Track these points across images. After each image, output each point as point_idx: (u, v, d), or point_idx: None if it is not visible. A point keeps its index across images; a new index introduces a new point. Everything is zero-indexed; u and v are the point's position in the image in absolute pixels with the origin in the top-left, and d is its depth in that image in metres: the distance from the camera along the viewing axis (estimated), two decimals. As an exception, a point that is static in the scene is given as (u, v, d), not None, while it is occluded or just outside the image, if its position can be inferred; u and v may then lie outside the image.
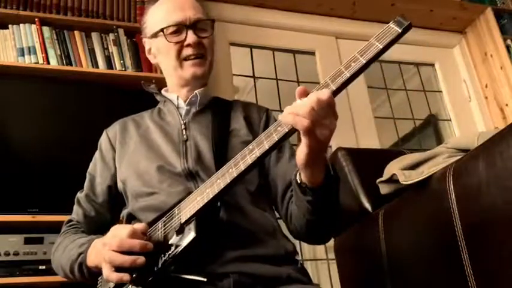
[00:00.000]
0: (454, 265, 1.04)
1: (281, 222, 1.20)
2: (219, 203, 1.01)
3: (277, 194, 1.19)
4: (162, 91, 1.32)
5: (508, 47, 3.01)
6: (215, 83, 2.38)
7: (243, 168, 0.93)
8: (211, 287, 0.97)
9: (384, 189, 1.40)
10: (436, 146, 1.41)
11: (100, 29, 2.32)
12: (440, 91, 3.20)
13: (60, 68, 2.17)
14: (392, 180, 1.35)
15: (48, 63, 2.16)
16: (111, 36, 2.33)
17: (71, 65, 2.21)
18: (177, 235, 0.96)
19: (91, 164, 1.30)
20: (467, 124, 3.08)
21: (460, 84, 3.22)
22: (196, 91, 1.24)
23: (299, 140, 0.91)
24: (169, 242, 0.97)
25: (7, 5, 2.20)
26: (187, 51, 1.21)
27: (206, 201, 0.96)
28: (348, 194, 1.51)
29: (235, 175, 0.94)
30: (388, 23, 0.87)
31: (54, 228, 1.25)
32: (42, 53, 2.16)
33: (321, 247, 2.72)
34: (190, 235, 0.94)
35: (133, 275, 0.95)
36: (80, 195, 1.27)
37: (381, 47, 0.84)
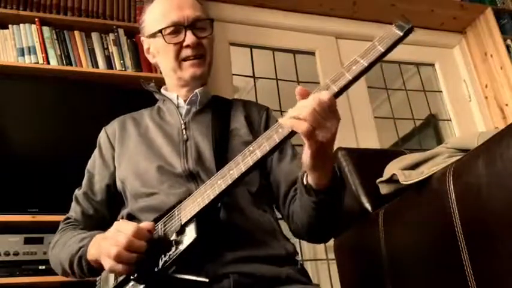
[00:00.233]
0: (454, 265, 1.04)
1: (281, 223, 1.20)
2: (219, 204, 1.01)
3: (279, 194, 1.19)
4: (162, 90, 1.31)
5: (508, 47, 3.01)
6: (215, 83, 2.38)
7: (244, 170, 0.93)
8: (211, 287, 0.97)
9: (384, 189, 1.40)
10: (436, 146, 1.41)
11: (100, 29, 2.32)
12: (440, 91, 3.20)
13: (60, 68, 2.17)
14: (392, 180, 1.35)
15: (48, 63, 2.16)
16: (111, 36, 2.33)
17: (71, 65, 2.21)
18: (178, 236, 0.96)
19: (90, 161, 1.29)
20: (467, 124, 3.08)
21: (460, 84, 3.22)
22: (197, 90, 1.23)
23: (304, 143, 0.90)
24: (170, 243, 0.96)
25: (7, 5, 2.20)
26: (187, 52, 1.20)
27: (207, 202, 0.96)
28: (348, 194, 1.51)
29: (236, 176, 0.94)
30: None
31: (54, 228, 1.25)
32: (42, 53, 2.16)
33: (321, 247, 2.72)
34: (191, 236, 0.94)
35: (134, 276, 0.95)
36: (78, 192, 1.26)
37: (383, 50, 0.84)
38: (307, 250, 2.85)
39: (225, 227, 1.04)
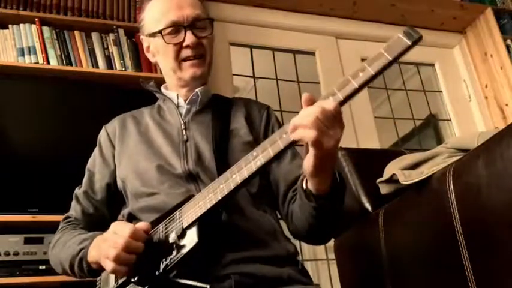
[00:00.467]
0: (454, 265, 1.04)
1: (282, 223, 1.20)
2: (221, 208, 1.01)
3: (278, 194, 1.19)
4: (162, 88, 1.30)
5: (508, 47, 3.01)
6: (215, 83, 2.37)
7: (247, 176, 0.93)
8: None
9: (384, 189, 1.40)
10: (436, 146, 1.41)
11: (100, 29, 2.32)
12: (440, 91, 3.20)
13: (60, 68, 2.17)
14: (393, 180, 1.35)
15: (48, 63, 2.16)
16: (111, 36, 2.33)
17: (71, 65, 2.21)
18: (179, 239, 0.96)
19: (90, 160, 1.29)
20: (467, 124, 3.08)
21: (460, 84, 3.22)
22: (197, 89, 1.22)
23: (306, 149, 0.90)
24: (171, 246, 0.96)
25: (7, 5, 2.20)
26: (186, 53, 1.19)
27: (209, 206, 0.96)
28: (348, 194, 1.51)
29: (239, 181, 0.93)
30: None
31: (54, 228, 1.25)
32: (42, 53, 2.16)
33: (321, 247, 2.72)
34: (192, 241, 0.94)
35: (135, 278, 0.95)
36: (78, 191, 1.26)
37: (391, 58, 0.83)
38: (307, 250, 2.86)
39: (225, 228, 1.03)
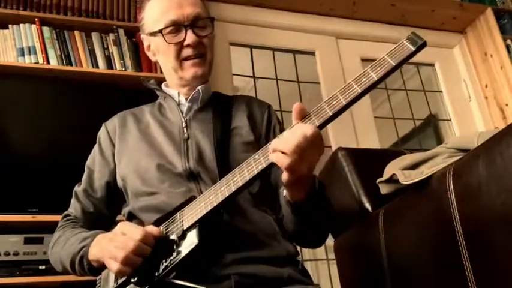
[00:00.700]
0: (454, 265, 1.04)
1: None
2: (221, 210, 1.01)
3: (277, 195, 1.19)
4: (163, 86, 1.30)
5: (508, 47, 3.01)
6: (215, 83, 2.37)
7: (248, 178, 0.93)
8: None
9: (384, 189, 1.40)
10: (436, 146, 1.41)
11: (100, 29, 2.32)
12: (440, 91, 3.20)
13: (60, 68, 2.17)
14: (393, 180, 1.35)
15: (48, 63, 2.17)
16: (111, 36, 2.33)
17: (71, 65, 2.21)
18: (179, 241, 0.96)
19: (89, 158, 1.29)
20: (467, 124, 3.08)
21: (460, 84, 3.22)
22: (199, 87, 1.22)
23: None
24: (171, 248, 0.96)
25: (7, 5, 2.20)
26: (187, 52, 1.19)
27: (210, 208, 0.96)
28: (348, 194, 1.51)
29: (241, 184, 0.94)
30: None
31: (54, 228, 1.25)
32: (42, 53, 2.16)
33: (321, 247, 2.71)
34: (192, 242, 0.94)
35: (134, 279, 0.95)
36: (77, 189, 1.25)
37: (394, 64, 0.83)
38: (307, 250, 2.85)
39: (226, 228, 1.03)
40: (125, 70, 2.28)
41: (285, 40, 2.92)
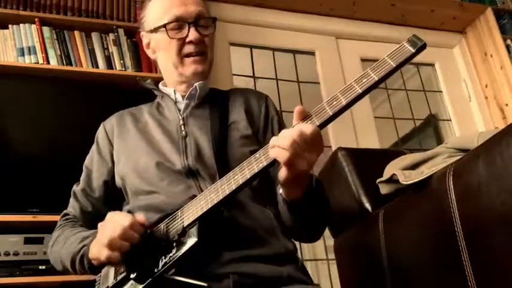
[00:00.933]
0: (454, 265, 1.04)
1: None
2: (222, 208, 1.01)
3: (275, 190, 1.19)
4: (160, 85, 1.30)
5: (508, 47, 3.01)
6: (215, 83, 2.36)
7: (249, 177, 0.94)
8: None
9: (384, 189, 1.40)
10: (436, 146, 1.41)
11: (100, 29, 2.32)
12: (440, 91, 3.20)
13: (60, 68, 2.17)
14: (393, 180, 1.35)
15: (48, 63, 2.16)
16: (111, 36, 2.33)
17: (71, 65, 2.21)
18: (179, 238, 0.97)
19: (87, 157, 1.29)
20: (467, 124, 3.08)
21: (460, 84, 3.22)
22: (196, 84, 1.22)
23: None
24: (171, 244, 0.97)
25: (7, 5, 2.20)
26: (189, 49, 1.20)
27: (210, 206, 0.97)
28: (348, 194, 1.51)
29: (241, 182, 0.95)
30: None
31: (54, 228, 1.25)
32: (42, 53, 2.16)
33: (321, 247, 2.72)
34: (192, 239, 0.95)
35: (134, 275, 0.95)
36: (76, 188, 1.26)
37: (394, 65, 0.85)
38: (307, 250, 2.86)
39: (225, 224, 1.04)
40: (125, 70, 2.28)
41: (285, 40, 2.92)
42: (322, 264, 2.81)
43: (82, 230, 1.16)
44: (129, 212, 1.18)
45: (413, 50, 0.84)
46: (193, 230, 0.96)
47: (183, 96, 1.24)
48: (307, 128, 0.88)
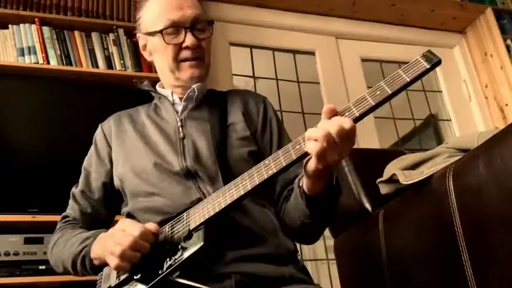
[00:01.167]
0: (454, 265, 1.04)
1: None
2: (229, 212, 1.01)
3: (275, 191, 1.19)
4: (157, 87, 1.30)
5: (508, 47, 3.01)
6: (215, 83, 2.37)
7: (258, 183, 0.94)
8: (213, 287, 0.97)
9: (384, 189, 1.40)
10: (436, 146, 1.41)
11: (100, 29, 2.32)
12: (440, 91, 3.20)
13: (60, 68, 2.17)
14: (392, 180, 1.35)
15: (48, 63, 2.16)
16: (111, 36, 2.33)
17: (71, 65, 2.21)
18: (185, 241, 0.96)
19: (86, 159, 1.29)
20: (467, 124, 3.08)
21: (460, 84, 3.22)
22: (194, 86, 1.21)
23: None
24: (176, 247, 0.96)
25: (7, 5, 2.20)
26: (186, 54, 1.19)
27: (217, 210, 0.97)
28: (348, 194, 1.51)
29: (249, 188, 0.94)
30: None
31: (54, 228, 1.25)
32: (42, 53, 2.16)
33: (321, 247, 2.72)
34: (198, 243, 0.94)
35: (137, 276, 0.95)
36: (75, 190, 1.25)
37: (408, 80, 0.85)
38: (307, 250, 2.86)
39: (226, 224, 1.03)
40: (125, 70, 2.28)
41: (285, 40, 2.92)
42: (322, 264, 2.81)
43: (83, 231, 1.15)
44: (129, 214, 1.18)
45: (428, 66, 0.84)
46: (200, 234, 0.96)
47: (180, 98, 1.24)
48: (346, 122, 0.86)
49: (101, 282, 1.07)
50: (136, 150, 1.19)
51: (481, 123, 3.08)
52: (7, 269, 1.79)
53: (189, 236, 0.97)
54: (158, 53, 1.24)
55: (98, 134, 1.29)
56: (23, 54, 2.15)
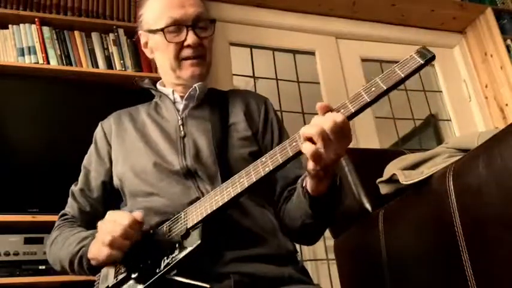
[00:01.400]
0: (454, 265, 1.04)
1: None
2: (227, 211, 1.01)
3: (275, 191, 1.19)
4: (157, 85, 1.30)
5: (508, 47, 3.01)
6: (215, 83, 2.37)
7: (255, 180, 0.94)
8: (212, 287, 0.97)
9: (384, 189, 1.40)
10: (436, 146, 1.41)
11: (100, 29, 2.32)
12: (440, 91, 3.20)
13: (60, 68, 2.17)
14: (392, 180, 1.35)
15: (48, 63, 2.17)
16: (111, 36, 2.33)
17: (71, 65, 2.21)
18: (182, 239, 0.96)
19: (86, 157, 1.29)
20: (467, 124, 3.08)
21: (460, 84, 3.22)
22: (196, 85, 1.21)
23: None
24: (174, 245, 0.96)
25: (7, 5, 2.20)
26: (187, 52, 1.19)
27: (214, 208, 0.97)
28: (348, 194, 1.51)
29: (247, 185, 0.94)
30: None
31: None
32: (42, 53, 2.16)
33: (321, 247, 2.72)
34: (195, 241, 0.94)
35: (135, 275, 0.95)
36: (74, 188, 1.25)
37: (403, 75, 0.86)
38: (307, 250, 2.86)
39: (225, 224, 1.03)
40: (125, 70, 2.28)
41: (285, 40, 2.92)
42: (322, 264, 2.81)
43: (81, 230, 1.15)
44: None
45: (422, 62, 0.85)
46: (197, 232, 0.96)
47: (181, 97, 1.24)
48: (337, 116, 0.86)
49: (98, 282, 1.07)
50: (136, 149, 1.19)
51: (481, 123, 3.08)
52: (7, 269, 1.79)
53: (186, 234, 0.97)
54: (159, 51, 1.23)
55: (98, 133, 1.29)
56: (23, 54, 2.15)
